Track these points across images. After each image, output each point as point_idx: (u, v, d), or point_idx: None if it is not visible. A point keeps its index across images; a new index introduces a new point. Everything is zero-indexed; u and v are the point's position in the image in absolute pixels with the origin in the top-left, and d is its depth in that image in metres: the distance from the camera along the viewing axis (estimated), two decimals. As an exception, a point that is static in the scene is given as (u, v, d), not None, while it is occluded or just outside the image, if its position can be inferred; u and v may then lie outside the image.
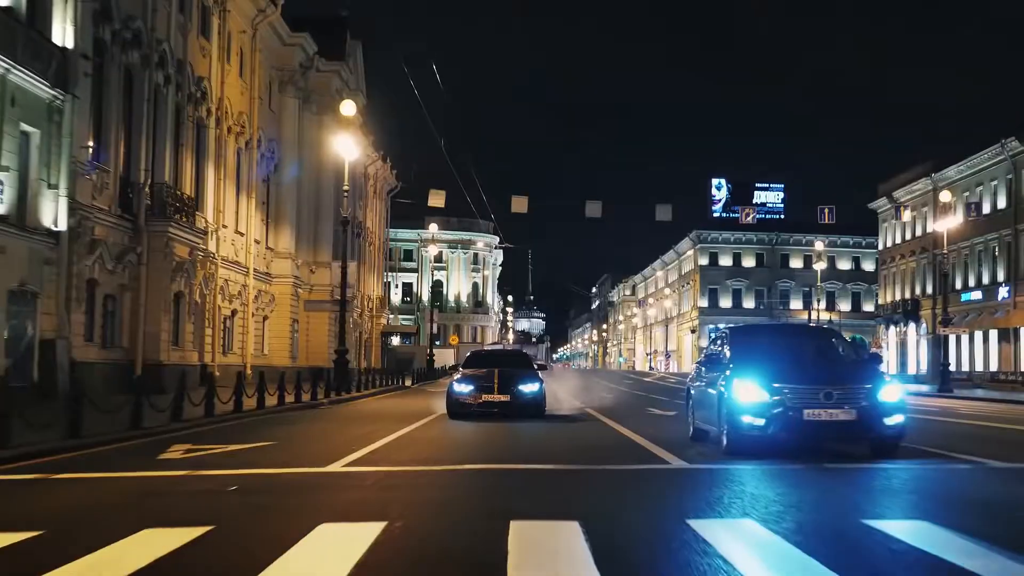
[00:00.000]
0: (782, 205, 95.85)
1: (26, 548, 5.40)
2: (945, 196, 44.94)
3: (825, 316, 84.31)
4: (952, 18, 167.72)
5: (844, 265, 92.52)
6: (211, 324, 29.79)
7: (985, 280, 52.06)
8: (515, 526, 5.76)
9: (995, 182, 50.94)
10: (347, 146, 27.59)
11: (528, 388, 17.97)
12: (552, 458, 10.29)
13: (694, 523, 5.93)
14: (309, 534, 5.61)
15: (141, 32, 23.95)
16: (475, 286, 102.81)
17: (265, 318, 36.60)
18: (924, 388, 42.27)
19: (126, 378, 21.45)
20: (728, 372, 10.61)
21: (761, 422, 9.82)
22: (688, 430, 12.60)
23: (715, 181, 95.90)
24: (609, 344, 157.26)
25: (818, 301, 73.72)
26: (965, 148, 53.91)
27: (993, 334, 50.65)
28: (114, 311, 23.56)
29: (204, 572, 4.94)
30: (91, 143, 21.73)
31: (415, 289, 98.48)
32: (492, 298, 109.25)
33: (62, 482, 8.63)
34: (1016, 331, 47.82)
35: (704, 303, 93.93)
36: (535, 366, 20.69)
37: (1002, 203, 50.08)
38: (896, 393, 10.32)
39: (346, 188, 27.98)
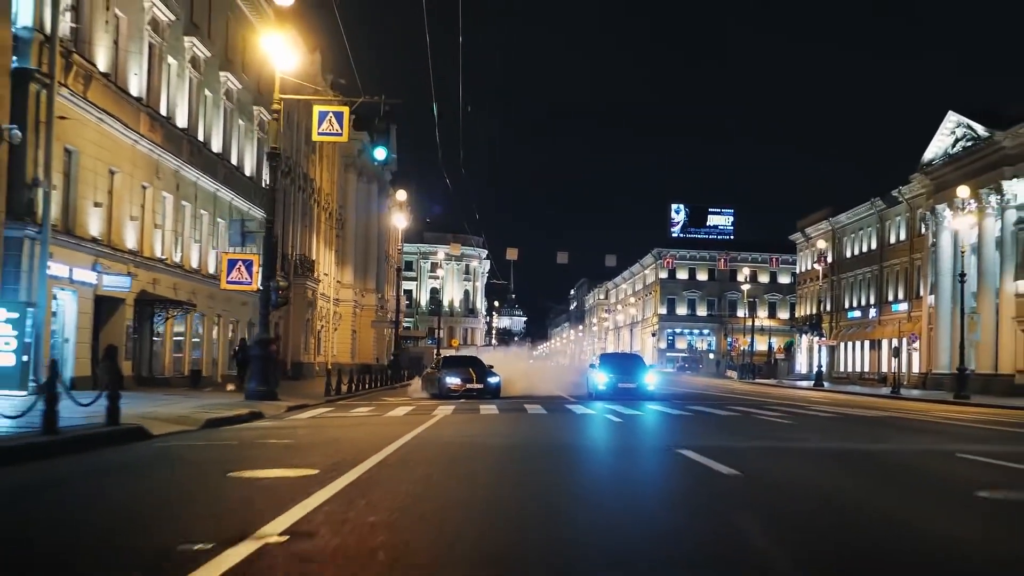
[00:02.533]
0: (732, 227, 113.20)
1: (363, 417, 22.00)
2: (821, 244, 62.39)
3: (765, 323, 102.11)
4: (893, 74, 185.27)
5: (784, 279, 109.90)
6: (315, 336, 46.66)
7: (862, 303, 69.53)
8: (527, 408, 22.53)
9: (870, 228, 68.36)
10: (398, 218, 44.72)
11: (493, 379, 28.49)
12: (536, 398, 27.11)
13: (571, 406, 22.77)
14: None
15: (292, 166, 40.78)
16: (466, 293, 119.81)
17: (335, 329, 53.43)
18: (806, 383, 59.72)
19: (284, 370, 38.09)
20: (595, 367, 28.32)
21: (603, 388, 27.40)
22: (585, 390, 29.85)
23: (674, 206, 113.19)
24: (585, 343, 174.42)
25: (746, 311, 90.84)
26: (852, 200, 71.29)
27: (866, 344, 67.96)
28: (279, 330, 40.41)
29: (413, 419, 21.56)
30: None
31: (414, 295, 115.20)
32: (480, 303, 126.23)
33: (354, 404, 25.22)
34: (879, 342, 65.03)
35: (663, 311, 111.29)
36: (488, 366, 29.95)
37: (874, 245, 67.48)
38: (651, 377, 29.02)
39: (399, 250, 45.03)
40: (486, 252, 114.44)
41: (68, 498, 7.52)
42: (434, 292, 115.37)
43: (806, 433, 15.48)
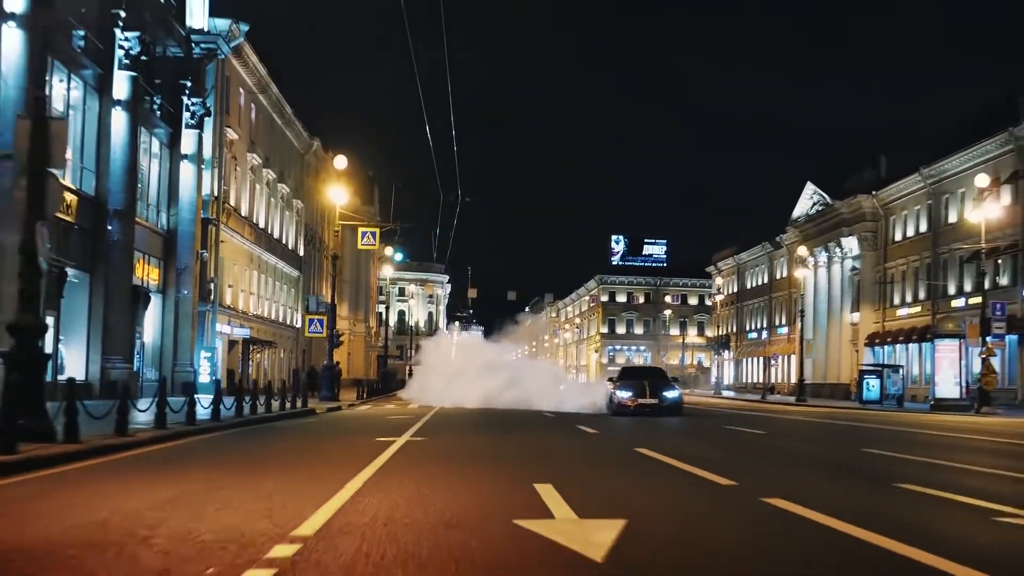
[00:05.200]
0: (665, 256, 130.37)
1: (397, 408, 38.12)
2: (719, 281, 79.53)
3: (695, 340, 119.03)
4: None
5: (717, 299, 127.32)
6: (325, 358, 62.78)
7: (757, 326, 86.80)
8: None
9: (763, 266, 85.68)
10: (386, 267, 60.93)
11: (670, 394, 26.89)
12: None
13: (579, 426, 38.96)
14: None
15: (315, 234, 56.95)
16: (430, 314, 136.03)
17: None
18: (709, 392, 76.76)
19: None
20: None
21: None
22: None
23: (614, 237, 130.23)
24: (538, 358, 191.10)
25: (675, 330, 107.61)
26: (751, 240, 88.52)
27: (761, 360, 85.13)
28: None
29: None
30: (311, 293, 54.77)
31: (383, 317, 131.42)
32: (443, 323, 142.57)
33: (380, 403, 41.26)
34: (769, 358, 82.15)
35: (605, 330, 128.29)
36: (672, 379, 29.44)
37: (765, 280, 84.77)
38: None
39: (383, 280, 61.23)
40: (447, 278, 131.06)
41: (326, 422, 23.46)
42: (402, 314, 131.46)
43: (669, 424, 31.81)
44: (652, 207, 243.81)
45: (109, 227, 27.22)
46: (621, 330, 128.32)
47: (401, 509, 6.81)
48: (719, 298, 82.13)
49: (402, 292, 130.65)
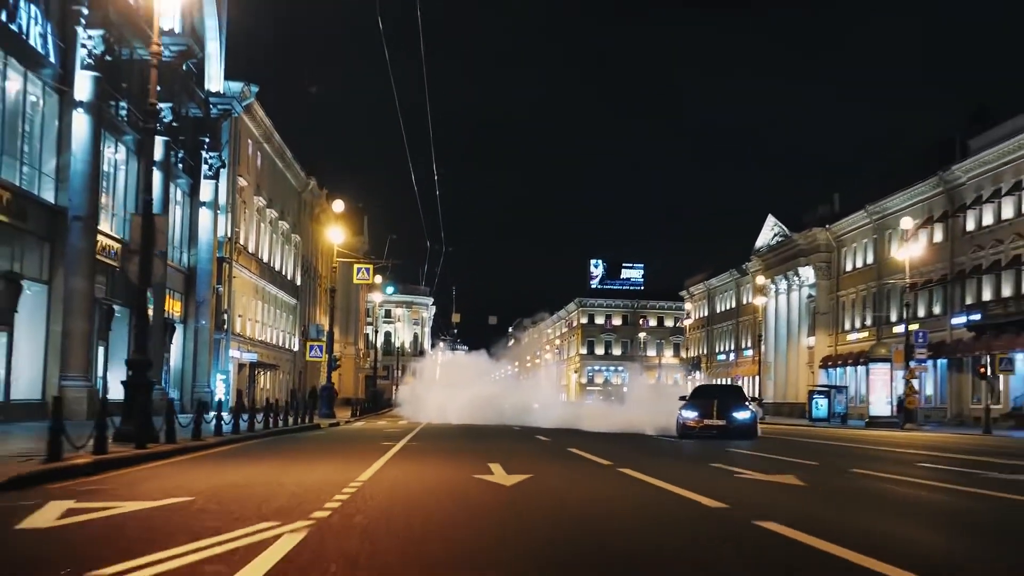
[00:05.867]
0: (643, 279, 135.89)
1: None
2: (688, 306, 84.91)
3: (671, 361, 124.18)
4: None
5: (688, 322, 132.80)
6: (318, 379, 67.84)
7: (726, 348, 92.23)
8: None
9: (731, 292, 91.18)
10: (377, 297, 66.09)
11: (740, 415, 24.93)
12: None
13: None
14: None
15: (310, 265, 62.06)
16: (415, 335, 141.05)
17: (327, 373, 74.60)
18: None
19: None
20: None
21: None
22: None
23: (593, 261, 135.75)
24: (521, 377, 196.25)
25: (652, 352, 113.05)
26: (721, 267, 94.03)
27: (729, 379, 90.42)
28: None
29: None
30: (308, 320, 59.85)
31: (370, 338, 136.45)
32: (428, 343, 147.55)
33: (373, 420, 46.34)
34: (736, 378, 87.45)
35: (584, 351, 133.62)
36: (751, 398, 28.44)
37: (733, 304, 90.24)
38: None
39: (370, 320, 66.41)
40: (432, 300, 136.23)
41: (333, 434, 28.49)
42: (388, 336, 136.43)
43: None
44: (633, 230, 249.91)
45: (146, 269, 32.29)
46: (600, 351, 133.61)
47: (410, 474, 12.02)
48: (688, 322, 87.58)
49: (388, 314, 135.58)
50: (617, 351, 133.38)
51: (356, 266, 43.87)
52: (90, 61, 26.76)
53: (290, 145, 53.60)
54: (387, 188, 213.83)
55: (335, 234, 43.02)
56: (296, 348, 57.78)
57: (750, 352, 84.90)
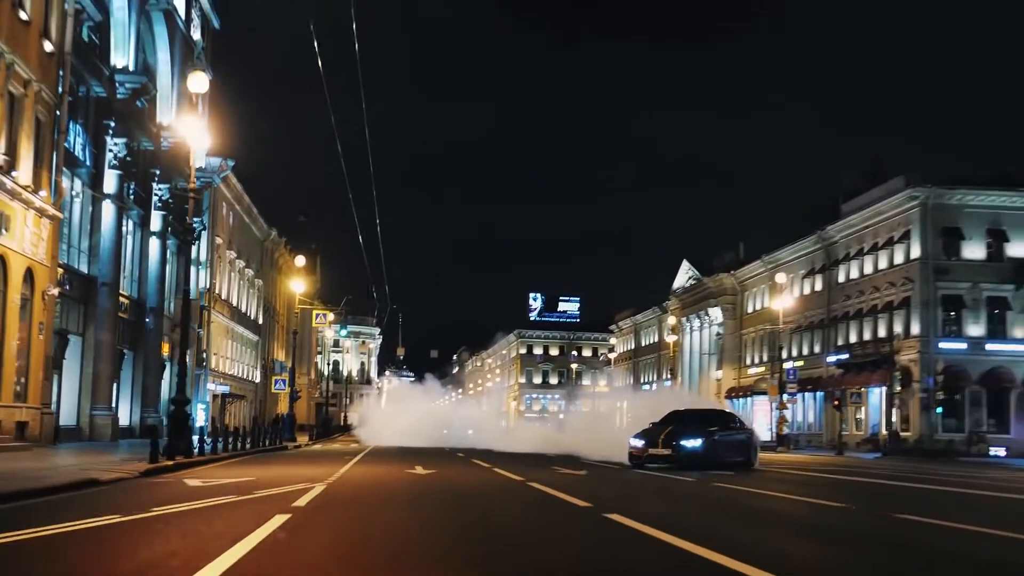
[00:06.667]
0: (579, 312, 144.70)
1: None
2: (613, 340, 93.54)
3: (604, 390, 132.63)
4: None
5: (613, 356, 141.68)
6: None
7: (650, 379, 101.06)
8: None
9: (654, 327, 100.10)
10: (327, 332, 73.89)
11: (689, 443, 23.31)
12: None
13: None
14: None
15: (271, 305, 69.84)
16: (362, 364, 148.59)
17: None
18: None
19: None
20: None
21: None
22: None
23: (532, 295, 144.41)
24: (464, 404, 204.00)
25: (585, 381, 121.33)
26: (643, 305, 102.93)
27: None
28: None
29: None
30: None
31: (318, 366, 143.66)
32: (374, 372, 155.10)
33: (329, 443, 54.21)
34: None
35: (523, 380, 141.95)
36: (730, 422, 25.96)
37: (656, 339, 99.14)
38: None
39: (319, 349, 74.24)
40: (379, 330, 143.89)
41: (302, 453, 36.32)
42: (336, 364, 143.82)
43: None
44: (572, 262, 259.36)
45: (147, 319, 40.16)
46: (538, 380, 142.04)
47: (367, 468, 20.27)
48: (613, 355, 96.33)
49: (337, 344, 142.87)
50: (554, 380, 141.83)
51: (315, 312, 51.73)
52: (115, 162, 34.74)
53: (255, 200, 61.51)
54: (335, 229, 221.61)
55: (297, 285, 50.99)
56: (258, 380, 65.45)
57: (669, 383, 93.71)
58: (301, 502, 11.99)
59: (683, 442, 23.15)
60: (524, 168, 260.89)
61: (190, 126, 26.59)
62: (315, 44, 32.80)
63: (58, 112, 28.13)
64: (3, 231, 24.41)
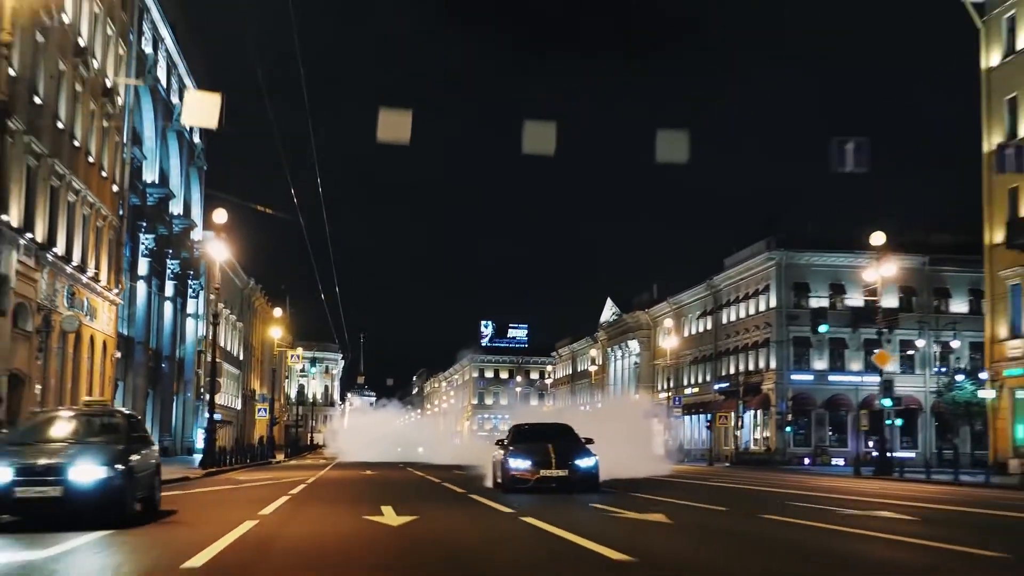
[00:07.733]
0: (527, 338, 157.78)
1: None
2: (550, 368, 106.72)
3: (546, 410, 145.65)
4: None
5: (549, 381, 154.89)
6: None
7: (584, 402, 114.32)
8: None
9: (588, 354, 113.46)
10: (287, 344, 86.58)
11: (584, 463, 21.26)
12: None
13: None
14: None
15: (249, 343, 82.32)
16: (326, 387, 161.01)
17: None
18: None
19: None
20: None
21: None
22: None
23: (483, 321, 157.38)
24: (422, 424, 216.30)
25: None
26: (579, 334, 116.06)
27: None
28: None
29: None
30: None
31: (283, 389, 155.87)
32: (337, 395, 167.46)
33: (300, 462, 66.77)
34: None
35: (475, 402, 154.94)
36: (585, 440, 22.79)
37: (590, 366, 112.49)
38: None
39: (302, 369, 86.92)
40: (341, 355, 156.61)
41: (286, 466, 48.99)
42: (301, 388, 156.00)
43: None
44: (523, 288, 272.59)
45: (163, 365, 52.78)
46: (489, 401, 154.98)
47: (335, 473, 33.33)
48: (549, 381, 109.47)
49: (303, 370, 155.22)
50: (504, 401, 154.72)
51: (290, 353, 64.31)
52: (146, 252, 47.50)
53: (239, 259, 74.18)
54: (298, 263, 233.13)
55: (275, 331, 63.67)
56: (239, 407, 77.93)
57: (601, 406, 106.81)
58: (303, 485, 24.94)
59: (577, 462, 21.38)
60: (487, 193, 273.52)
61: (208, 243, 39.30)
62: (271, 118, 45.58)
63: (119, 232, 40.91)
64: (93, 319, 37.14)
